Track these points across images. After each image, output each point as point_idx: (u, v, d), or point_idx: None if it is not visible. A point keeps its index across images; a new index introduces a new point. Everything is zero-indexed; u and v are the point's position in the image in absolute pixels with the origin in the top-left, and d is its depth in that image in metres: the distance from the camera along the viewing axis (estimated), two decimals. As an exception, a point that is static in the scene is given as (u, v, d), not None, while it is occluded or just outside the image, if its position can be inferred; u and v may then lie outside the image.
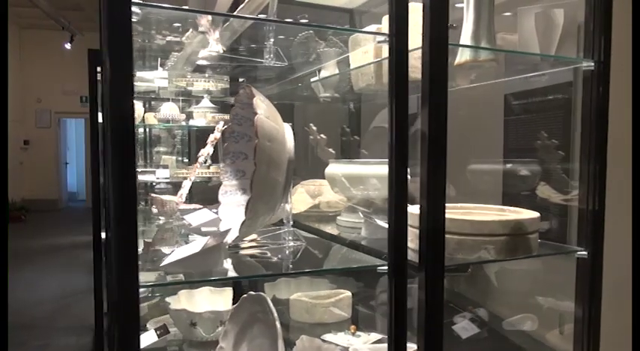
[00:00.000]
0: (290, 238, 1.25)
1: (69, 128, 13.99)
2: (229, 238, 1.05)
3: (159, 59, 1.92)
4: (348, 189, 1.58)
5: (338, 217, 1.67)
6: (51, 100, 12.29)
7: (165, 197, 1.55)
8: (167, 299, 1.93)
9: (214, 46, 1.28)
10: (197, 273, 0.99)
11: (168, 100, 2.97)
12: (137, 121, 2.83)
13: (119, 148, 0.76)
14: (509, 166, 2.18)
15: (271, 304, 1.24)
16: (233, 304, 1.97)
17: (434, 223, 1.04)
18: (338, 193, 1.72)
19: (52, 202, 12.29)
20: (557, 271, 1.93)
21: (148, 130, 3.34)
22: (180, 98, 3.02)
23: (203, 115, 2.76)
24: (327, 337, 1.82)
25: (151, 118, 2.89)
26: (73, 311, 5.01)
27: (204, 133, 2.80)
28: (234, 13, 1.18)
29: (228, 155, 1.33)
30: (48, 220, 10.77)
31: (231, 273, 1.02)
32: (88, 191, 12.54)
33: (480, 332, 1.97)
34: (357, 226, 1.56)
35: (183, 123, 2.86)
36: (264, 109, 1.07)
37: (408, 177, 1.56)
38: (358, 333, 1.86)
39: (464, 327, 1.97)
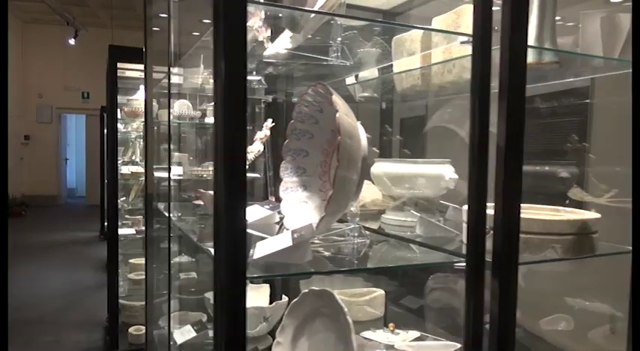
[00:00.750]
0: (356, 234, 1.26)
1: (69, 124, 13.91)
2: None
3: (202, 56, 1.93)
4: (394, 187, 1.59)
5: (383, 216, 1.67)
6: (52, 95, 12.22)
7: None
8: (206, 295, 1.94)
9: (287, 43, 1.29)
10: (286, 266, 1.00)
11: (185, 96, 2.99)
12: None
13: (232, 148, 0.77)
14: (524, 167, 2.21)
15: (339, 299, 1.26)
16: (270, 300, 1.99)
17: (509, 223, 1.05)
18: (382, 191, 1.73)
19: (51, 198, 12.23)
20: (574, 272, 1.95)
21: (157, 127, 3.37)
22: (198, 94, 3.05)
23: (217, 112, 2.78)
24: (367, 334, 1.83)
25: (164, 115, 2.92)
26: (78, 307, 4.99)
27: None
28: (312, 9, 1.20)
29: (289, 152, 1.33)
30: (48, 216, 10.73)
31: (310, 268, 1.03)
32: (89, 188, 12.48)
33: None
34: (403, 224, 1.57)
35: (197, 120, 2.91)
36: (341, 107, 1.08)
37: (455, 176, 1.59)
38: (397, 331, 1.87)
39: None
